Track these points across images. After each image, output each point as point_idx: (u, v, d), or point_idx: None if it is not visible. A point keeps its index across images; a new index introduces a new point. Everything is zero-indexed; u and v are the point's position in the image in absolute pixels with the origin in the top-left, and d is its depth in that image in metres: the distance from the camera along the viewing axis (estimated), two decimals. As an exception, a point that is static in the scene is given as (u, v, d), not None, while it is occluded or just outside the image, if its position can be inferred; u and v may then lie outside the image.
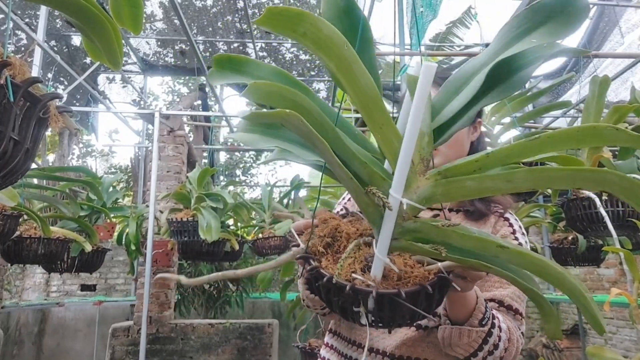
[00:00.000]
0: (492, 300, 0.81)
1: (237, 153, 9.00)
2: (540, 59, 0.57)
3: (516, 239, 0.87)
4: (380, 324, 0.59)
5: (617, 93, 4.42)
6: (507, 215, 0.90)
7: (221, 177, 7.80)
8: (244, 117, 0.56)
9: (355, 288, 0.55)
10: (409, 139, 0.56)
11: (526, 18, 0.60)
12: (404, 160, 0.55)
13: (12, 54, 0.81)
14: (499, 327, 0.75)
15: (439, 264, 0.59)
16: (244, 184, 9.02)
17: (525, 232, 0.90)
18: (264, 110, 0.51)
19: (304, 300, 0.92)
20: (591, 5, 3.98)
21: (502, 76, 0.60)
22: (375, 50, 0.66)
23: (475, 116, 0.69)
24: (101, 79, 5.50)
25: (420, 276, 0.58)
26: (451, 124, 0.62)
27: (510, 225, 0.89)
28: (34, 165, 1.83)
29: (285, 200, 3.82)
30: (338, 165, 0.54)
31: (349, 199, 1.02)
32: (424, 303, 0.57)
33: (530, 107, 3.38)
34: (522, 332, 0.82)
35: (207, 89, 5.82)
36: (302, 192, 3.96)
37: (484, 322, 0.73)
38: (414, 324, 0.89)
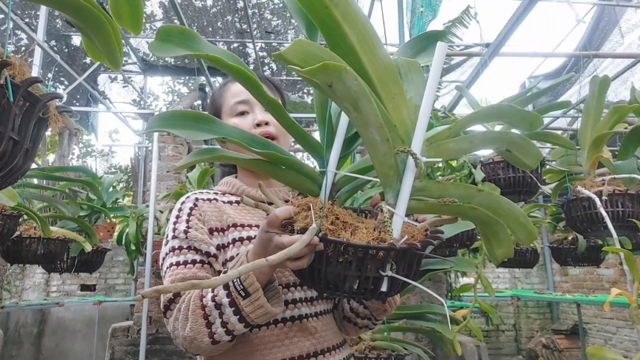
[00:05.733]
0: None
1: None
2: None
3: None
4: (394, 288, 0.63)
5: (617, 93, 4.42)
6: None
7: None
8: (306, 70, 0.52)
9: (400, 247, 0.59)
10: (426, 106, 0.65)
11: (416, 44, 0.86)
12: (422, 124, 0.65)
13: (12, 54, 0.81)
14: None
15: (424, 222, 0.70)
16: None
17: None
18: (327, 62, 0.51)
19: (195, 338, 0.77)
20: (591, 5, 3.98)
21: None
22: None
23: None
24: (101, 78, 5.50)
25: (417, 232, 0.66)
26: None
27: None
28: (34, 165, 1.83)
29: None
30: (379, 126, 0.60)
31: (190, 214, 0.91)
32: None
33: (530, 107, 3.38)
34: None
35: (207, 89, 5.82)
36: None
37: None
38: (331, 308, 0.97)
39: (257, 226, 0.91)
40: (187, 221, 0.90)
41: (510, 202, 0.67)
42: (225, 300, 0.74)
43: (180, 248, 0.87)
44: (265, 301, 0.73)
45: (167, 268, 0.86)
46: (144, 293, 0.48)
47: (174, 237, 0.88)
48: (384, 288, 0.60)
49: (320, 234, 0.60)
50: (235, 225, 0.91)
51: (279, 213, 0.66)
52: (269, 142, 0.78)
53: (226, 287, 0.75)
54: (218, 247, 0.89)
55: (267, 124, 0.97)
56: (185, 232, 0.88)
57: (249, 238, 0.89)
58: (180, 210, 0.93)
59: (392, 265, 0.60)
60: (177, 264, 0.85)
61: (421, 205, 0.68)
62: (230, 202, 0.97)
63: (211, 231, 0.90)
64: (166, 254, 0.88)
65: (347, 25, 0.58)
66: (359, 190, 0.79)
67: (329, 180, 0.72)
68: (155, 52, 0.69)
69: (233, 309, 0.74)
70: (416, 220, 0.72)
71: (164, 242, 0.92)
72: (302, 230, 0.61)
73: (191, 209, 0.92)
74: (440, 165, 2.40)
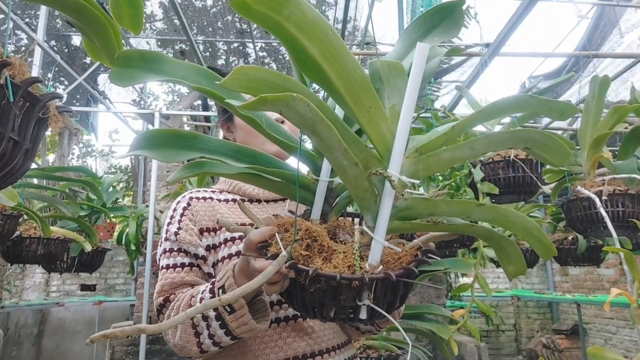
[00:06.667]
0: None
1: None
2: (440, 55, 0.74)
3: None
4: (375, 315, 0.58)
5: (617, 93, 4.42)
6: None
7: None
8: (242, 105, 0.47)
9: (372, 277, 0.54)
10: (405, 119, 0.57)
11: (424, 22, 0.74)
12: (401, 138, 0.58)
13: (12, 54, 0.81)
14: None
15: (416, 240, 0.63)
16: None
17: None
18: (267, 94, 0.46)
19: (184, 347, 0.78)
20: (591, 5, 3.98)
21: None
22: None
23: None
24: (101, 78, 5.50)
25: (407, 254, 0.60)
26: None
27: None
28: (34, 165, 1.83)
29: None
30: (344, 151, 0.54)
31: (182, 214, 0.92)
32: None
33: (530, 107, 3.37)
34: None
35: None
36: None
37: None
38: None
39: (252, 225, 0.91)
40: (179, 222, 0.90)
41: (519, 214, 0.60)
42: (212, 314, 0.74)
43: (171, 250, 0.88)
44: (249, 318, 0.71)
45: (159, 270, 0.89)
46: (92, 338, 0.48)
47: (166, 239, 0.90)
48: (362, 316, 0.57)
49: (288, 263, 0.57)
50: None
51: (253, 237, 0.65)
52: (258, 152, 0.73)
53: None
54: (208, 248, 0.89)
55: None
56: (176, 234, 0.89)
57: (241, 238, 0.88)
58: (174, 210, 0.93)
59: (369, 294, 0.56)
60: (167, 267, 0.87)
61: (407, 226, 0.62)
62: (226, 201, 0.96)
63: (202, 231, 0.89)
64: (160, 255, 0.91)
65: (304, 37, 0.51)
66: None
67: (320, 190, 0.67)
68: (117, 81, 0.61)
69: (219, 322, 0.73)
70: (413, 236, 0.69)
71: (159, 242, 0.94)
72: (274, 257, 0.59)
73: (184, 209, 0.92)
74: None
